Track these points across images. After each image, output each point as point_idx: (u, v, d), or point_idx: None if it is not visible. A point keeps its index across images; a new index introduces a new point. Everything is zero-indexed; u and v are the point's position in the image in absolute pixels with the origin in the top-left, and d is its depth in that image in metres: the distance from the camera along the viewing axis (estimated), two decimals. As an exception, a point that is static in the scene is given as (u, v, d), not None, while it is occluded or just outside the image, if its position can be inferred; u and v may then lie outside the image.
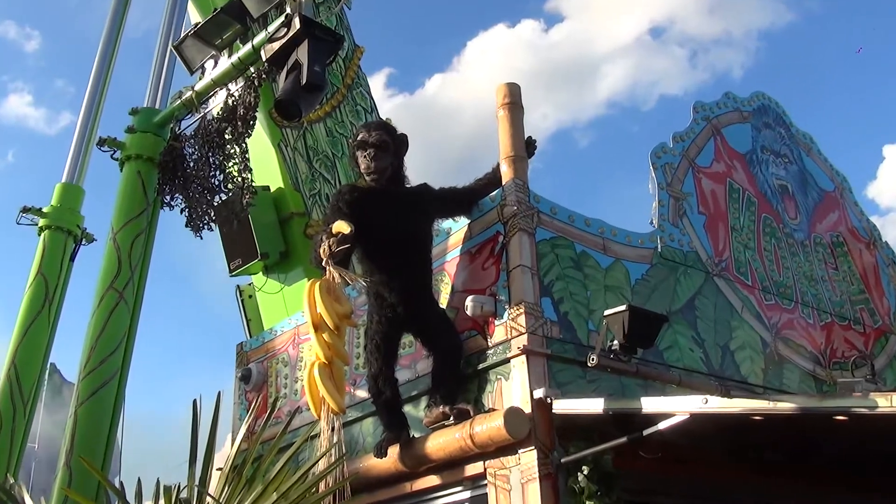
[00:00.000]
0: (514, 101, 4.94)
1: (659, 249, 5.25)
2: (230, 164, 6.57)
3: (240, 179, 6.49)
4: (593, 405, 4.06)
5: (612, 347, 3.91)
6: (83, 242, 8.20)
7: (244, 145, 6.69)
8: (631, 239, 5.14)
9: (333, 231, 4.31)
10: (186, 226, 6.71)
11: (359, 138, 4.76)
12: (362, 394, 5.15)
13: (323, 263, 4.31)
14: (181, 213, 6.76)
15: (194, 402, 3.68)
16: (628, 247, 5.11)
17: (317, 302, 4.30)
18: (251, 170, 6.79)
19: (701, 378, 4.93)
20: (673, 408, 3.78)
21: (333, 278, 4.33)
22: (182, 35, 7.04)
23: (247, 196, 6.54)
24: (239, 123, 6.47)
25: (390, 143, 4.73)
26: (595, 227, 4.98)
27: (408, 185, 4.88)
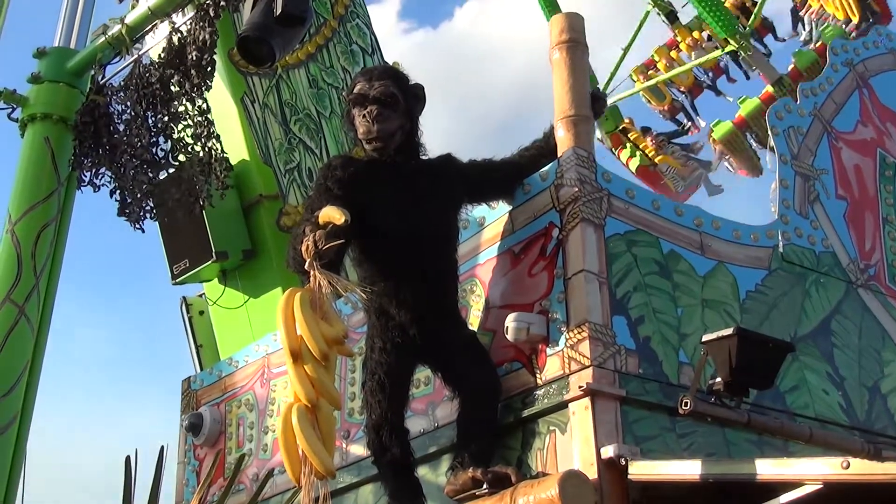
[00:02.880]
0: (574, 38, 4.94)
1: (780, 249, 5.24)
2: (180, 126, 6.63)
3: (200, 149, 6.54)
4: (686, 469, 4.05)
5: (714, 387, 3.90)
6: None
7: (204, 101, 6.75)
8: (740, 234, 5.13)
9: (320, 221, 4.33)
10: (119, 214, 6.78)
11: (355, 90, 4.78)
12: (359, 450, 5.18)
13: (306, 266, 4.33)
14: (111, 195, 6.84)
15: (127, 460, 3.72)
16: (737, 245, 5.10)
17: (297, 321, 4.32)
18: (217, 136, 6.84)
19: (840, 432, 4.91)
20: (800, 474, 3.76)
21: (320, 287, 4.34)
22: (107, -54, 7.11)
23: (220, 173, 6.58)
24: (192, 71, 6.53)
25: (399, 98, 4.75)
26: (689, 218, 4.98)
27: (425, 157, 4.90)
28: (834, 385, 5.17)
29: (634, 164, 9.48)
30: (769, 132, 5.53)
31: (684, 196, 8.41)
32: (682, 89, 10.81)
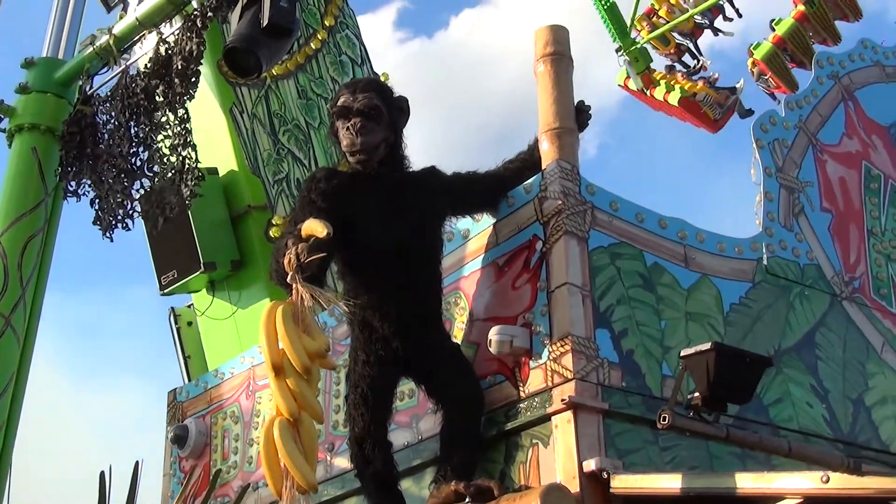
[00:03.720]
0: (558, 50, 4.95)
1: (765, 262, 5.25)
2: (159, 136, 6.63)
3: (175, 159, 6.54)
4: (668, 482, 4.05)
5: (693, 402, 3.90)
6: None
7: (185, 111, 6.75)
8: (725, 247, 5.14)
9: (303, 234, 4.33)
10: (94, 223, 6.77)
11: (339, 103, 4.79)
12: (343, 463, 5.18)
13: (288, 279, 4.33)
14: (91, 205, 6.84)
15: (101, 475, 3.71)
16: (721, 258, 5.11)
17: (279, 334, 4.32)
18: (193, 145, 6.84)
19: (822, 445, 4.92)
20: (780, 488, 3.77)
21: (302, 300, 4.34)
22: (95, -43, 7.11)
23: (190, 182, 6.57)
24: (176, 81, 6.53)
25: (383, 110, 4.76)
26: (673, 230, 4.98)
27: (409, 169, 4.91)
28: (818, 398, 5.18)
29: (675, 97, 9.64)
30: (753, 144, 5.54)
31: (722, 122, 8.61)
32: (684, 32, 11.06)
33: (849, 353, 5.41)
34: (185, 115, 6.62)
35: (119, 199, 6.77)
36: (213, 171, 8.09)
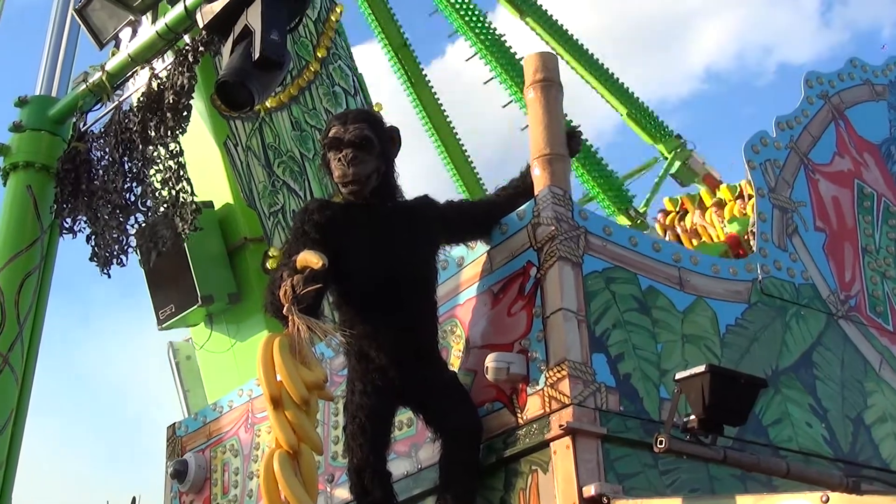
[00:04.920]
0: (548, 77, 4.98)
1: (759, 282, 5.25)
2: (152, 171, 6.66)
3: (167, 193, 6.57)
4: (668, 506, 4.05)
5: (689, 425, 3.90)
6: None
7: (177, 145, 6.79)
8: (719, 269, 5.15)
9: (298, 266, 4.35)
10: (91, 259, 6.80)
11: (330, 134, 4.81)
12: (343, 493, 5.16)
13: (284, 311, 4.34)
14: (87, 241, 6.87)
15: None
16: (715, 279, 5.11)
17: (276, 366, 4.33)
18: (187, 179, 6.87)
19: (823, 465, 4.91)
20: (780, 508, 3.77)
21: (299, 332, 4.35)
22: (86, -6, 7.16)
23: (187, 216, 6.59)
24: (168, 115, 6.58)
25: (374, 140, 4.77)
26: (667, 254, 5.00)
27: (402, 199, 4.93)
28: (817, 417, 5.17)
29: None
30: (745, 165, 5.56)
31: None
32: None
33: (847, 371, 5.41)
34: (178, 150, 6.66)
35: (115, 235, 6.79)
36: (209, 204, 8.12)
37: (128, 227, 6.82)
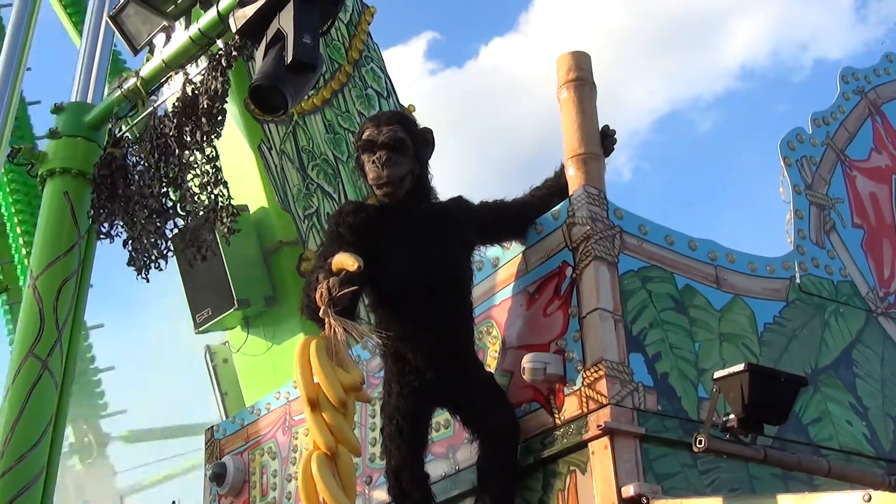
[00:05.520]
0: (581, 76, 4.96)
1: (797, 280, 5.22)
2: (189, 176, 6.70)
3: (205, 197, 6.61)
4: (708, 506, 4.03)
5: (728, 424, 3.88)
6: (-6, 291, 8.39)
7: (213, 149, 6.83)
8: (756, 267, 5.12)
9: (333, 268, 4.35)
10: (129, 264, 6.86)
11: (364, 136, 4.81)
12: (381, 496, 5.17)
13: (320, 314, 4.35)
14: (123, 246, 6.92)
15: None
16: (753, 278, 5.08)
17: (313, 369, 4.34)
18: (225, 182, 6.91)
19: (864, 464, 4.87)
20: (822, 508, 3.74)
21: (336, 334, 4.36)
22: (120, 1, 7.21)
23: (225, 220, 6.63)
24: (203, 120, 6.61)
25: (408, 142, 4.77)
26: (704, 252, 4.97)
27: (436, 200, 4.93)
28: (857, 415, 5.13)
29: None
30: (781, 162, 5.53)
31: None
32: None
33: (887, 369, 5.36)
34: (215, 154, 6.70)
35: (153, 240, 6.84)
36: (244, 208, 8.16)
37: (165, 231, 6.87)
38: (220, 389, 8.93)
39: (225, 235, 6.66)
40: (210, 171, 6.67)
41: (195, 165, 6.74)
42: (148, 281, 6.94)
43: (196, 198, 6.72)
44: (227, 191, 6.69)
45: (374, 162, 4.75)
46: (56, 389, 6.79)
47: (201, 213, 6.70)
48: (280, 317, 8.12)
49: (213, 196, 6.65)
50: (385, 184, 4.75)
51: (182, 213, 6.82)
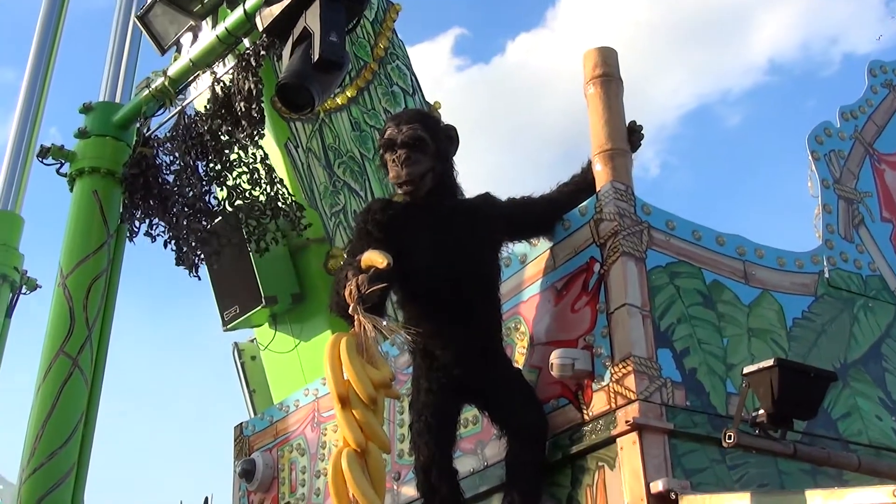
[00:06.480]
0: (607, 72, 4.96)
1: (826, 275, 5.20)
2: (234, 174, 6.75)
3: (261, 194, 6.65)
4: (737, 501, 4.01)
5: (758, 419, 3.88)
6: (23, 291, 8.47)
7: (261, 149, 6.90)
8: (785, 261, 5.11)
9: (362, 265, 4.37)
10: (177, 263, 6.91)
11: (385, 136, 4.84)
12: (410, 492, 5.19)
13: (349, 311, 4.37)
14: (165, 245, 6.97)
15: (173, 510, 3.74)
16: (781, 272, 5.07)
17: (343, 366, 4.36)
18: (280, 180, 6.99)
19: (893, 459, 4.85)
20: (852, 503, 3.72)
21: (365, 331, 4.38)
22: (148, 1, 7.25)
23: (297, 216, 6.69)
24: (243, 122, 6.65)
25: (428, 140, 4.79)
26: (732, 247, 4.96)
27: (463, 198, 4.94)
28: (887, 410, 5.11)
29: None
30: (809, 156, 5.51)
31: None
32: None
33: (918, 363, 5.35)
34: (264, 153, 6.79)
35: (201, 237, 6.91)
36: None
37: (213, 228, 6.98)
38: (248, 387, 8.96)
39: (295, 230, 6.80)
40: (262, 169, 6.77)
41: (241, 163, 6.81)
42: (200, 279, 7.05)
43: (248, 194, 6.80)
44: (285, 188, 6.81)
45: (394, 161, 4.78)
46: (86, 387, 6.84)
47: (255, 208, 6.80)
48: (307, 314, 8.14)
49: (273, 193, 6.75)
50: (405, 182, 4.78)
51: (230, 209, 6.89)
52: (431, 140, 4.81)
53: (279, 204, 6.79)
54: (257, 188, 6.81)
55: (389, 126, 4.88)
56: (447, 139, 4.92)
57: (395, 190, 4.95)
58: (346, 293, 4.33)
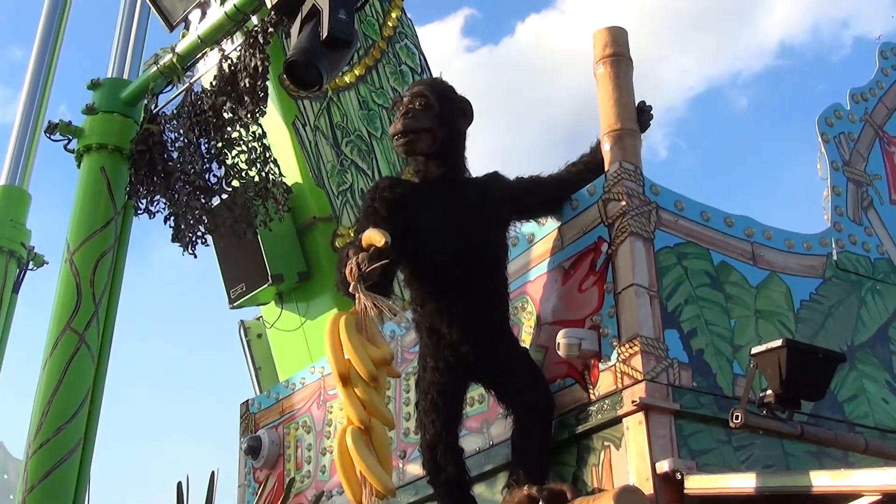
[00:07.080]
0: (618, 52, 4.94)
1: (834, 257, 5.19)
2: (234, 152, 6.72)
3: (254, 173, 6.63)
4: (742, 482, 4.01)
5: (765, 400, 3.87)
6: (30, 267, 8.48)
7: (259, 127, 6.87)
8: (793, 243, 5.09)
9: (363, 243, 4.35)
10: (173, 240, 6.89)
11: (396, 102, 4.87)
12: (416, 469, 5.20)
13: (350, 289, 4.36)
14: (164, 222, 6.95)
15: (178, 486, 3.76)
16: (789, 254, 5.06)
17: (343, 345, 4.35)
18: (274, 160, 6.96)
19: (900, 441, 4.85)
20: (858, 485, 3.71)
21: (365, 310, 4.37)
22: (156, -22, 7.22)
23: (280, 198, 6.67)
24: (246, 98, 6.62)
25: (432, 101, 4.80)
26: (740, 228, 4.95)
27: (471, 176, 4.92)
28: (894, 393, 5.10)
29: None
30: (819, 139, 5.49)
31: None
32: None
33: (924, 346, 5.33)
34: (262, 132, 6.74)
35: (198, 215, 6.88)
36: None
37: (210, 207, 6.94)
38: (254, 364, 8.96)
39: (278, 211, 6.75)
40: (259, 148, 6.73)
41: (241, 142, 6.78)
42: (196, 256, 7.01)
43: (244, 174, 6.77)
44: (278, 168, 6.77)
45: (398, 118, 4.80)
46: (93, 362, 6.84)
47: (249, 188, 6.75)
48: (314, 292, 8.12)
49: (263, 173, 6.71)
50: (399, 133, 4.78)
51: (228, 188, 6.85)
52: (437, 102, 4.81)
53: (267, 185, 6.74)
54: (253, 168, 6.78)
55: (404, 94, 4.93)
56: (459, 111, 4.91)
57: (407, 167, 4.95)
58: (347, 271, 4.33)
